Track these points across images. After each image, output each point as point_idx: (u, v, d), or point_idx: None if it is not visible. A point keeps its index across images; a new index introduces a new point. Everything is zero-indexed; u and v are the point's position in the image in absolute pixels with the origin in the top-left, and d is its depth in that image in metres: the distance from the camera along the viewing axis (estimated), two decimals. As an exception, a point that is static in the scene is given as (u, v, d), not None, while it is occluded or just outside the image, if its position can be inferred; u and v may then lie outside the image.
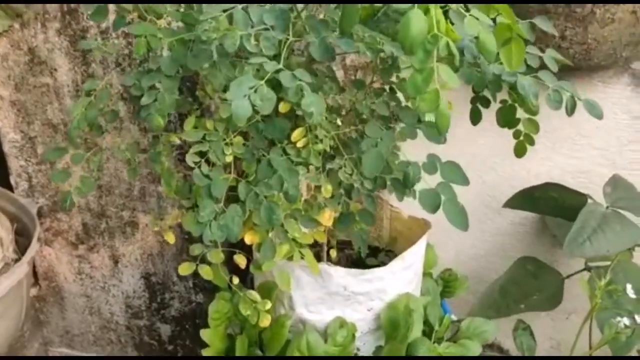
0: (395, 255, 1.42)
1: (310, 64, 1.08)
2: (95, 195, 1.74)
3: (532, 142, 1.20)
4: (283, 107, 0.98)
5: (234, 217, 1.00)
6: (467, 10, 0.85)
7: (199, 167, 1.03)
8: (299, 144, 1.08)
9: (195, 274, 1.18)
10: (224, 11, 0.93)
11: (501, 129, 1.20)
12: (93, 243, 1.85)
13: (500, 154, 1.73)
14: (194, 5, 1.04)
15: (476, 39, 0.84)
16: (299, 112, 0.96)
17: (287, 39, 0.93)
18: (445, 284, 1.67)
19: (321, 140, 1.08)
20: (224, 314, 1.36)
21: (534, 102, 1.08)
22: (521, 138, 1.21)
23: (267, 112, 0.84)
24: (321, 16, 1.00)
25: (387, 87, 1.18)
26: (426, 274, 1.60)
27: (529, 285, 1.73)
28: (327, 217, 1.19)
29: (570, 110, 1.08)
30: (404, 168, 1.12)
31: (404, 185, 1.16)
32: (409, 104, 1.16)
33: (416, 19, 0.79)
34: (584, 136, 1.68)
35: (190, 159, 1.02)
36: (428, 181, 1.13)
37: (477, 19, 0.84)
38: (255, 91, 0.82)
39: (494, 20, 0.91)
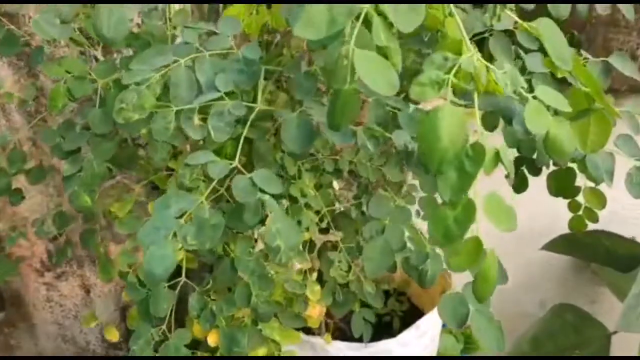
0: (408, 300, 1.25)
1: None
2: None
3: (594, 219, 0.89)
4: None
5: (179, 347, 0.72)
6: (531, 88, 0.54)
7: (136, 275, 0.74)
8: (277, 232, 0.79)
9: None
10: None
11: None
12: (60, 271, 1.61)
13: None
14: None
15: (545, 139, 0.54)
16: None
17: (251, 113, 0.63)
18: (466, 340, 1.40)
19: (307, 229, 0.79)
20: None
21: (609, 184, 0.77)
22: (580, 212, 0.90)
23: (210, 246, 0.55)
24: (305, 67, 0.69)
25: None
26: (445, 329, 1.34)
27: (567, 339, 1.47)
28: (317, 313, 0.90)
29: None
30: (421, 262, 0.83)
31: (418, 273, 0.86)
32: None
33: (447, 120, 0.48)
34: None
35: (122, 262, 0.74)
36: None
37: (546, 105, 0.53)
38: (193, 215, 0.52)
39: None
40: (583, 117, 0.60)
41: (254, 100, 0.67)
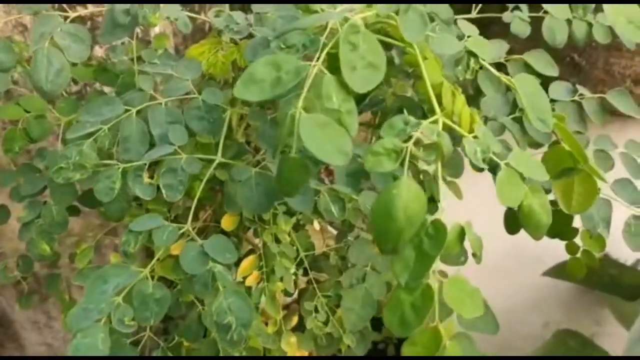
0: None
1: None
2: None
3: (593, 262, 0.83)
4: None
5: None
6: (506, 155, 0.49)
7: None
8: (248, 282, 0.74)
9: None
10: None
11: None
12: (47, 293, 1.56)
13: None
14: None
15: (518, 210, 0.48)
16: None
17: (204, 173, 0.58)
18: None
19: (281, 279, 0.74)
20: None
21: (606, 234, 0.71)
22: (578, 255, 0.84)
23: (154, 323, 0.50)
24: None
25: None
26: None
27: (571, 364, 1.40)
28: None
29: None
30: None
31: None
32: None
33: (404, 198, 0.43)
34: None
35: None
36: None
37: (521, 175, 0.48)
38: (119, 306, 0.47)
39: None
40: (567, 175, 0.55)
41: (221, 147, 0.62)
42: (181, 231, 0.54)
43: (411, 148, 0.44)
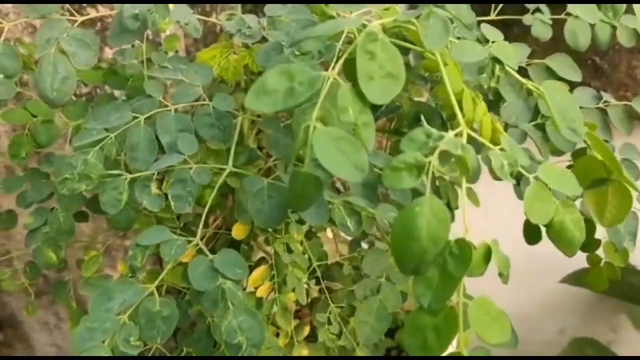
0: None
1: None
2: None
3: (616, 275, 0.80)
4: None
5: None
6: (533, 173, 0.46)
7: None
8: (260, 292, 0.72)
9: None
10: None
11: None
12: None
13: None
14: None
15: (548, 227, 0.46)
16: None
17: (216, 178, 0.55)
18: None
19: (293, 289, 0.72)
20: None
21: (630, 249, 0.69)
22: (602, 264, 0.81)
23: (161, 341, 0.48)
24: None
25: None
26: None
27: (588, 375, 1.37)
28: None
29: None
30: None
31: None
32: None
33: (427, 218, 0.41)
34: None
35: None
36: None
37: (548, 186, 0.45)
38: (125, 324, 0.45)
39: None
40: (599, 187, 0.52)
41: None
42: (190, 245, 0.52)
43: (434, 163, 0.42)
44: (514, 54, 0.54)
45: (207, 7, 0.99)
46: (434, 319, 0.42)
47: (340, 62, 0.45)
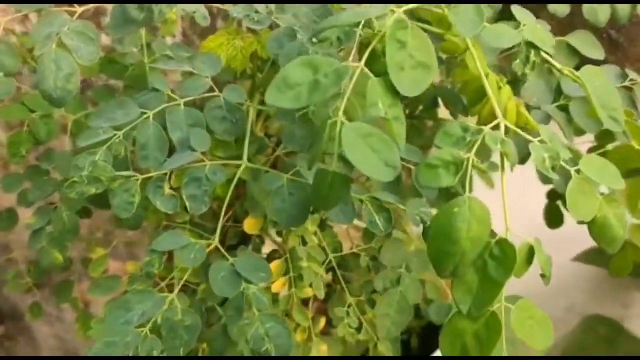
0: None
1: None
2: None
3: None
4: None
5: None
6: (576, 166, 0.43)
7: None
8: (275, 288, 0.70)
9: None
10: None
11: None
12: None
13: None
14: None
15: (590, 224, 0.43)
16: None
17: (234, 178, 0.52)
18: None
19: (311, 285, 0.69)
20: None
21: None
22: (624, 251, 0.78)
23: (185, 353, 0.46)
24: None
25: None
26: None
27: (600, 353, 1.36)
28: None
29: None
30: (443, 316, 0.73)
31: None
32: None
33: (467, 219, 0.38)
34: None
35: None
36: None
37: (590, 180, 0.42)
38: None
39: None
40: (634, 177, 0.49)
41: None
42: (209, 248, 0.49)
43: (474, 159, 0.39)
44: (549, 38, 0.50)
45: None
46: (474, 324, 0.40)
47: (366, 55, 0.41)
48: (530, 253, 0.40)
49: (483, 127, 0.40)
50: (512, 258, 0.38)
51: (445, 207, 0.38)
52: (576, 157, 0.53)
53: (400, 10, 0.43)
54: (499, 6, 0.62)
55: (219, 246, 0.49)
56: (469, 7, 0.43)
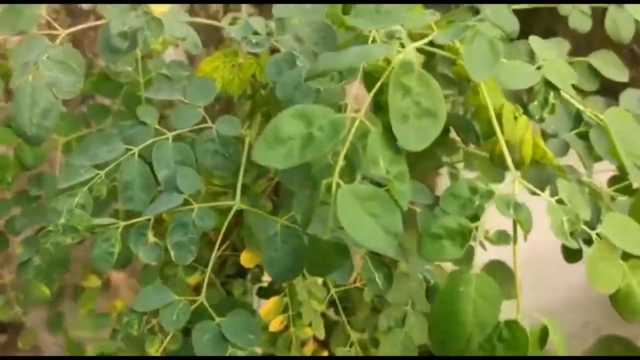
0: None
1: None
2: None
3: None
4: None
5: None
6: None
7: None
8: (273, 327, 0.66)
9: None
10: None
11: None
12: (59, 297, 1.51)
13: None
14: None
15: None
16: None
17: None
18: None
19: (310, 324, 0.65)
20: None
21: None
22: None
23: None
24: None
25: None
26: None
27: (616, 373, 1.31)
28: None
29: None
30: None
31: None
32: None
33: (474, 296, 0.33)
34: None
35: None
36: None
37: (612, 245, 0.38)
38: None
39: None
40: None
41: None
42: (194, 306, 0.45)
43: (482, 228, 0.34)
44: (571, 73, 0.45)
45: (214, 7, 0.91)
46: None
47: (367, 103, 0.37)
48: (544, 335, 0.36)
49: (493, 189, 0.35)
50: (523, 342, 0.34)
51: (450, 285, 0.34)
52: (595, 196, 0.49)
53: (406, 48, 0.38)
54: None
55: (205, 304, 0.45)
56: (484, 44, 0.39)
